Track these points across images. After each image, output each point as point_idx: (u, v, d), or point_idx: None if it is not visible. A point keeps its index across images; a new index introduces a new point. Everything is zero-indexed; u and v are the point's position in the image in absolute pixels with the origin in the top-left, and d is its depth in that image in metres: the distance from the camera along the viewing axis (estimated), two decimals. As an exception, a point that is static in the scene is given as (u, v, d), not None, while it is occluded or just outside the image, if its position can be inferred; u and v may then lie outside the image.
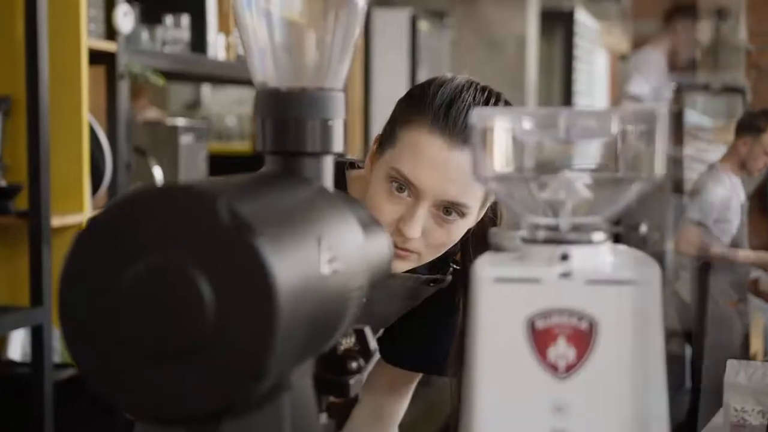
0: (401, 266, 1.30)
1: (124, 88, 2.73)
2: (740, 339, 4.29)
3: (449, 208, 1.25)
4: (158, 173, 2.96)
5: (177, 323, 0.60)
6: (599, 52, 8.45)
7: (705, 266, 4.23)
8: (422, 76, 5.76)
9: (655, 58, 4.41)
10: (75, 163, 2.51)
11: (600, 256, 0.69)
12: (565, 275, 0.67)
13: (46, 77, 2.38)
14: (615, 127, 0.68)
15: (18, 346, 2.72)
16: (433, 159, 1.23)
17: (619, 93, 4.52)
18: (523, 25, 5.71)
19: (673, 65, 4.55)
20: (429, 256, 1.30)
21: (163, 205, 0.61)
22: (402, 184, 1.25)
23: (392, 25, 4.85)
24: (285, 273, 0.61)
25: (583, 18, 7.36)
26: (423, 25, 4.92)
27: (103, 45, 2.67)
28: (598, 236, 0.69)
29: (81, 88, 2.50)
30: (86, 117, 2.52)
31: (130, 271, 0.61)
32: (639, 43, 9.24)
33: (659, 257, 4.41)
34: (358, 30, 0.82)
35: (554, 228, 0.70)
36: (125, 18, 2.68)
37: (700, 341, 3.80)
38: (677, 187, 4.64)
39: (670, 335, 3.94)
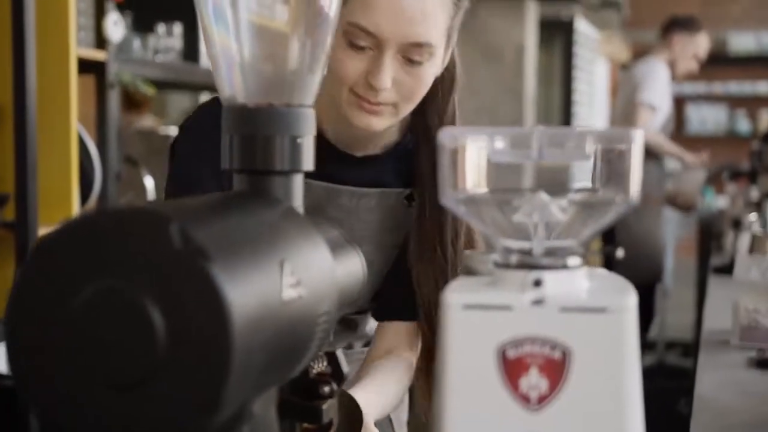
0: (379, 122, 1.28)
1: (114, 97, 2.70)
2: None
3: (414, 53, 1.23)
4: (149, 183, 2.93)
5: (127, 352, 0.57)
6: (599, 61, 8.42)
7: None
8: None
9: (661, 66, 4.43)
10: (63, 173, 2.48)
11: (575, 281, 0.66)
12: (538, 302, 0.64)
13: (34, 86, 2.35)
14: (589, 149, 0.65)
15: (4, 358, 2.69)
16: (386, 2, 1.20)
17: (623, 101, 4.48)
18: (522, 35, 5.68)
19: (673, 76, 4.56)
20: (405, 108, 1.28)
21: (114, 228, 0.58)
22: (361, 38, 1.22)
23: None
24: (241, 299, 0.58)
25: (582, 27, 7.34)
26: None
27: (93, 54, 2.64)
28: (573, 261, 0.67)
29: (70, 97, 2.48)
30: (75, 126, 2.50)
31: (80, 297, 0.58)
32: (639, 51, 9.24)
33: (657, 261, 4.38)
34: (328, 42, 0.79)
35: (527, 252, 0.67)
36: (115, 27, 2.65)
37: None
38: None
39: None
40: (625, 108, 4.46)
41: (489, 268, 0.69)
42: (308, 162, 0.77)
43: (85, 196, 2.58)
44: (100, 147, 2.66)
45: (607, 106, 8.82)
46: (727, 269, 2.64)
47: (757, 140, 4.15)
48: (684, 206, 4.94)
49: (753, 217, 2.93)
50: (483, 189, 0.68)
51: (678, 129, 9.83)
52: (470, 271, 0.71)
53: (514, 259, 0.66)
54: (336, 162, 1.37)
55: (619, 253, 0.67)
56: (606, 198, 0.67)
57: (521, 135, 0.66)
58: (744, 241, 2.79)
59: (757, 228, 2.79)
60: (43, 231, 2.39)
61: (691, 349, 4.91)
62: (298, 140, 0.76)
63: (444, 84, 1.36)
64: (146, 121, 4.27)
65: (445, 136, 0.67)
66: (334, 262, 0.74)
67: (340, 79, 1.25)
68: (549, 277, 0.65)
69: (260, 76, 0.77)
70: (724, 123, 9.79)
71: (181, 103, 5.60)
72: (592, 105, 8.19)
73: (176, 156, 1.41)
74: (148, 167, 3.00)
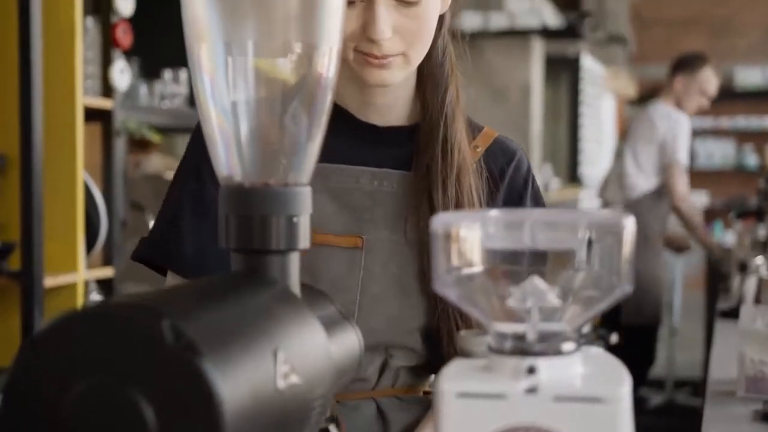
0: (391, 75, 1.20)
1: (120, 145, 2.72)
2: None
3: None
4: (155, 229, 2.93)
5: (119, 448, 0.57)
6: (606, 96, 8.44)
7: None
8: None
9: (684, 120, 4.45)
10: (69, 222, 2.49)
11: (569, 368, 0.66)
12: (532, 390, 0.64)
13: (41, 135, 2.37)
14: (582, 234, 0.65)
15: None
16: None
17: (641, 148, 4.47)
18: (528, 73, 5.70)
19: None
20: (416, 54, 1.21)
21: (106, 324, 0.59)
22: None
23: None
24: (233, 394, 0.58)
25: (588, 63, 7.36)
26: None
27: (100, 102, 2.66)
28: (568, 346, 0.66)
29: (76, 146, 2.49)
30: (81, 175, 2.51)
31: (71, 393, 0.58)
32: (646, 87, 9.26)
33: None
34: (327, 108, 0.79)
35: (521, 337, 0.67)
36: (122, 75, 2.67)
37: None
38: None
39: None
40: (658, 161, 4.45)
41: (483, 350, 0.69)
42: (305, 240, 0.77)
43: (90, 244, 2.59)
44: (105, 194, 2.67)
45: (614, 142, 8.83)
46: (734, 313, 2.63)
47: (763, 178, 4.14)
48: (678, 248, 4.93)
49: (760, 260, 2.91)
50: (476, 274, 0.68)
51: (685, 163, 9.84)
52: (465, 353, 0.71)
53: (507, 345, 0.66)
54: (357, 137, 1.29)
55: (613, 338, 0.67)
56: (600, 283, 0.67)
57: (514, 220, 0.66)
58: (751, 285, 2.78)
59: (764, 272, 2.78)
60: (48, 280, 2.40)
61: (700, 388, 4.88)
62: (294, 219, 0.76)
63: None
64: (154, 160, 4.29)
65: (438, 222, 0.67)
66: (329, 342, 0.74)
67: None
68: (543, 364, 0.65)
69: (257, 156, 0.78)
70: (732, 157, 9.80)
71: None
72: (600, 141, 8.20)
73: (188, 146, 1.32)
74: (154, 212, 3.01)
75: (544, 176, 5.93)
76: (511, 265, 0.68)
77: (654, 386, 5.39)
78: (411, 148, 1.29)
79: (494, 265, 0.68)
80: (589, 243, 0.66)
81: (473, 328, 0.81)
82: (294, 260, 0.77)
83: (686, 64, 4.54)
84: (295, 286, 0.76)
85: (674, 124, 4.43)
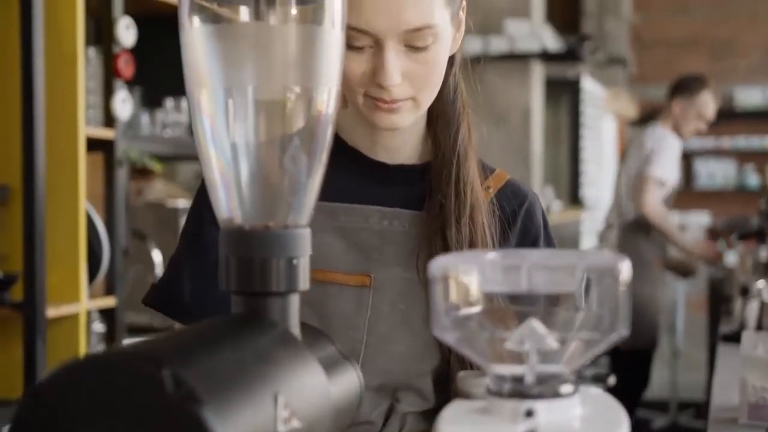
0: (401, 119, 1.19)
1: (122, 174, 2.73)
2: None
3: (416, 39, 1.14)
4: (157, 257, 2.94)
5: (120, 497, 0.58)
6: (606, 118, 8.46)
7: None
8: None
9: (671, 139, 4.44)
10: (72, 252, 2.50)
11: (567, 410, 0.66)
12: (530, 433, 0.64)
13: (43, 166, 2.38)
14: (579, 276, 0.66)
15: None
16: None
17: (633, 170, 4.46)
18: (528, 96, 5.72)
19: (681, 138, 4.56)
20: (425, 98, 1.20)
21: (107, 373, 0.59)
22: (356, 38, 1.13)
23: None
24: (234, 441, 0.58)
25: (589, 85, 7.39)
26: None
27: (102, 132, 2.68)
28: (566, 388, 0.67)
29: (78, 177, 2.50)
30: (83, 206, 2.52)
31: (73, 443, 0.59)
32: (646, 108, 9.30)
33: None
34: (323, 162, 0.80)
35: (519, 379, 0.67)
36: (123, 105, 2.69)
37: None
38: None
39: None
40: (634, 179, 4.45)
41: (482, 392, 0.69)
42: (304, 282, 0.78)
43: (92, 273, 2.60)
44: (107, 223, 2.68)
45: (615, 163, 8.85)
46: (736, 337, 2.62)
47: (764, 198, 4.14)
48: (684, 272, 4.91)
49: (761, 284, 2.91)
50: (474, 316, 0.68)
51: (687, 184, 9.90)
52: (463, 394, 0.72)
53: (506, 387, 0.67)
54: (366, 176, 1.29)
55: (611, 380, 0.68)
56: (598, 325, 0.67)
57: (511, 264, 0.67)
58: (753, 309, 2.78)
59: (766, 296, 2.78)
60: (51, 311, 2.40)
61: (703, 410, 4.86)
62: (294, 261, 0.77)
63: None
64: (156, 188, 4.31)
65: (436, 265, 0.68)
66: (329, 384, 0.75)
67: (350, 86, 1.18)
68: (541, 407, 0.65)
69: (257, 198, 0.78)
70: (733, 177, 9.82)
71: (190, 170, 5.65)
72: (601, 162, 8.21)
73: (195, 192, 1.33)
74: (155, 240, 3.02)
75: (546, 199, 5.94)
76: (510, 307, 0.68)
77: (657, 408, 5.38)
78: (421, 187, 1.28)
79: (492, 308, 0.68)
80: (587, 285, 0.66)
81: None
82: (294, 302, 0.78)
83: (684, 87, 4.54)
84: (295, 328, 0.76)
85: (660, 143, 4.42)
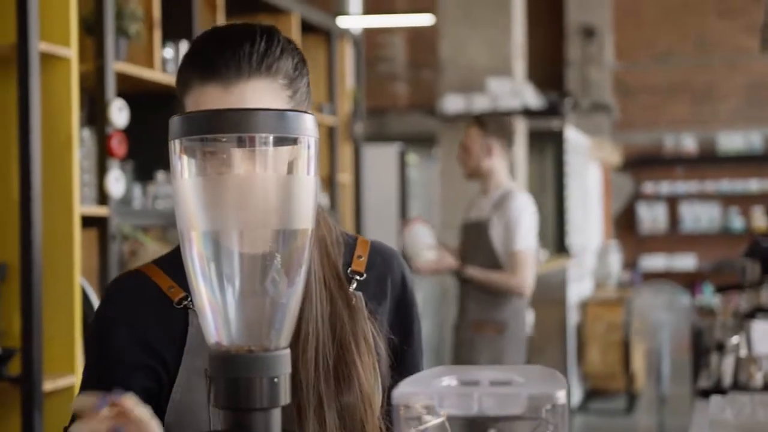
0: None
1: (115, 249, 2.82)
2: None
3: None
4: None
5: None
6: (591, 165, 8.58)
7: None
8: (412, 208, 5.86)
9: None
10: (67, 326, 2.59)
11: None
12: None
13: (40, 245, 2.48)
14: (521, 405, 0.76)
15: None
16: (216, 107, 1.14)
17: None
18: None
19: None
20: None
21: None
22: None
23: (381, 158, 4.99)
24: None
25: (572, 135, 7.52)
26: (412, 159, 5.06)
27: (96, 210, 2.78)
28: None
29: (73, 253, 2.60)
30: (78, 281, 2.61)
31: None
32: (631, 153, 9.44)
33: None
34: (298, 295, 0.91)
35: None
36: (116, 183, 2.79)
37: None
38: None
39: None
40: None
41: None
42: (285, 397, 0.88)
43: (88, 346, 2.68)
44: (101, 296, 2.77)
45: (601, 209, 8.97)
46: (714, 391, 2.70)
47: (743, 257, 4.21)
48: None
49: (735, 339, 3.00)
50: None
51: (672, 227, 10.04)
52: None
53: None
54: None
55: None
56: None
57: (463, 394, 0.77)
58: (729, 364, 2.86)
59: (742, 352, 2.86)
60: (47, 384, 2.49)
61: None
62: (275, 380, 0.88)
63: None
64: (150, 249, 4.38)
65: (398, 395, 0.77)
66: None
67: None
68: None
69: (241, 325, 0.89)
70: (718, 220, 9.95)
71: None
72: (586, 208, 8.32)
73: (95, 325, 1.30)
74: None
75: (532, 249, 6.02)
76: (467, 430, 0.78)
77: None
78: None
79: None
80: (529, 412, 0.76)
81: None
82: (276, 416, 0.88)
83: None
84: (277, 440, 0.87)
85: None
